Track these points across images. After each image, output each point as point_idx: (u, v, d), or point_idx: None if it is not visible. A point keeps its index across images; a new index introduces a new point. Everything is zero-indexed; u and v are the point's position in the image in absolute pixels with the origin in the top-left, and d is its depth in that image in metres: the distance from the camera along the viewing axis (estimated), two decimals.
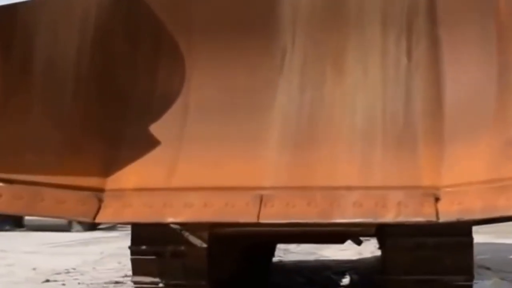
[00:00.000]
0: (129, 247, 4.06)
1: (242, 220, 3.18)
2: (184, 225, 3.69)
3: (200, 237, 3.87)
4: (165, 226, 3.61)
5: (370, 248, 7.53)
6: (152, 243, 3.92)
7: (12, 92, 3.19)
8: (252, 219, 3.11)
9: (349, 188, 3.17)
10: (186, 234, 3.84)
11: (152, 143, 3.36)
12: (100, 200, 3.23)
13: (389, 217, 3.09)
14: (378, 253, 5.28)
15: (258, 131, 3.40)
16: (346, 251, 8.15)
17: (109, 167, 3.30)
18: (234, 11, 3.44)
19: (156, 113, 3.43)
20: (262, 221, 3.11)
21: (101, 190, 3.26)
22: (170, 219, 3.27)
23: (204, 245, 3.87)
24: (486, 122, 3.24)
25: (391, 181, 3.21)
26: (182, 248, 3.89)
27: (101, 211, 3.20)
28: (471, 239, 3.83)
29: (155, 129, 3.40)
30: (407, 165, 3.26)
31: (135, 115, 3.44)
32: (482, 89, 3.32)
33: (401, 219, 3.08)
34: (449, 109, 3.36)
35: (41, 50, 3.27)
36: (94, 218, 3.19)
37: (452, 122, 3.33)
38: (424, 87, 3.43)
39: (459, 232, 3.69)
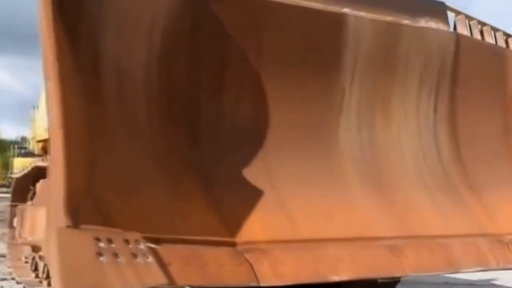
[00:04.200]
0: None
1: (410, 273, 3.26)
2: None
3: None
4: None
5: None
6: None
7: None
8: (403, 272, 3.23)
9: (445, 236, 3.46)
10: None
11: (245, 181, 3.18)
12: (244, 257, 2.87)
13: (493, 264, 3.47)
14: None
15: (336, 172, 3.47)
16: None
17: (222, 212, 2.99)
18: (303, 46, 3.43)
19: (232, 142, 3.26)
20: (409, 273, 3.25)
21: (235, 244, 2.92)
22: (335, 277, 3.02)
23: None
24: (499, 172, 3.99)
25: (468, 229, 3.62)
26: None
27: (258, 271, 2.82)
28: None
29: (240, 163, 3.23)
30: (467, 211, 3.72)
31: (211, 144, 3.20)
32: (490, 143, 4.03)
33: (502, 265, 3.49)
34: (466, 158, 3.93)
35: (109, 61, 2.85)
36: (259, 282, 2.81)
37: (473, 171, 3.91)
38: (447, 138, 3.95)
39: None
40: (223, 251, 2.80)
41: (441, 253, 3.34)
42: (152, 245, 2.44)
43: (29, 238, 3.98)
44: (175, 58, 3.07)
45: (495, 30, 4.00)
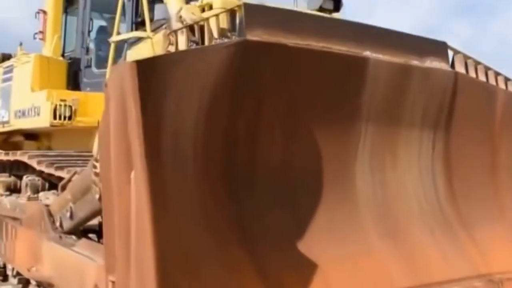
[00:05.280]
0: None
1: None
2: None
3: None
4: None
5: None
6: None
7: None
8: None
9: (449, 282, 3.64)
10: None
11: (281, 238, 3.24)
12: None
13: None
14: None
15: (355, 218, 3.59)
16: None
17: (266, 277, 3.03)
18: (329, 90, 3.50)
19: (265, 195, 3.28)
20: None
21: None
22: None
23: None
24: (490, 210, 4.19)
25: (466, 271, 3.78)
26: None
27: None
28: None
29: (275, 217, 3.27)
30: (463, 252, 3.90)
31: (248, 199, 3.20)
32: (479, 179, 4.22)
33: None
34: (458, 194, 4.12)
35: (168, 122, 2.79)
36: None
37: (465, 207, 4.11)
38: (442, 174, 4.14)
39: None
40: None
41: None
42: None
43: (33, 269, 3.92)
44: (217, 115, 3.06)
45: (487, 68, 4.26)
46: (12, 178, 6.81)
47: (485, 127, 4.25)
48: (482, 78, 4.24)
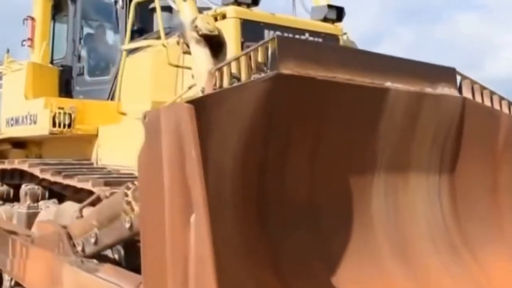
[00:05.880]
0: None
1: None
2: None
3: None
4: None
5: None
6: None
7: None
8: None
9: None
10: None
11: (307, 263, 3.36)
12: None
13: None
14: None
15: (373, 243, 3.72)
16: None
17: None
18: (353, 119, 3.62)
19: (293, 221, 3.40)
20: None
21: None
22: None
23: None
24: (491, 231, 4.34)
25: None
26: None
27: None
28: None
29: (301, 242, 3.38)
30: (469, 274, 4.04)
31: (277, 224, 3.31)
32: (481, 200, 4.38)
33: None
34: (461, 215, 4.28)
35: (222, 161, 2.91)
36: None
37: (468, 228, 4.26)
38: (447, 195, 4.28)
39: None
40: None
41: None
42: None
43: None
44: (251, 148, 3.16)
45: (492, 93, 4.45)
46: (5, 187, 6.78)
47: (488, 150, 4.40)
48: (487, 102, 4.40)
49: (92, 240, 3.79)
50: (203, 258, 2.40)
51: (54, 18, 7.90)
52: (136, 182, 3.58)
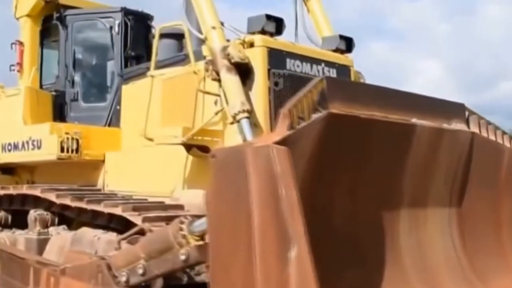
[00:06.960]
0: None
1: None
2: None
3: None
4: None
5: None
6: None
7: None
8: None
9: None
10: None
11: None
12: None
13: None
14: None
15: (402, 274, 4.00)
16: None
17: None
18: (386, 155, 3.88)
19: (342, 252, 3.59)
20: None
21: None
22: None
23: None
24: (496, 264, 4.64)
25: None
26: None
27: None
28: None
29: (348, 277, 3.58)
30: None
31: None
32: (486, 234, 4.68)
33: None
34: (469, 249, 4.55)
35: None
36: None
37: (476, 261, 4.53)
38: (456, 229, 4.58)
39: None
40: None
41: None
42: None
43: None
44: (306, 183, 3.30)
45: (496, 128, 4.86)
46: (3, 213, 6.76)
47: (493, 184, 4.74)
48: (491, 136, 4.80)
49: (140, 271, 3.93)
50: None
51: (42, 43, 7.92)
52: (188, 217, 3.78)
